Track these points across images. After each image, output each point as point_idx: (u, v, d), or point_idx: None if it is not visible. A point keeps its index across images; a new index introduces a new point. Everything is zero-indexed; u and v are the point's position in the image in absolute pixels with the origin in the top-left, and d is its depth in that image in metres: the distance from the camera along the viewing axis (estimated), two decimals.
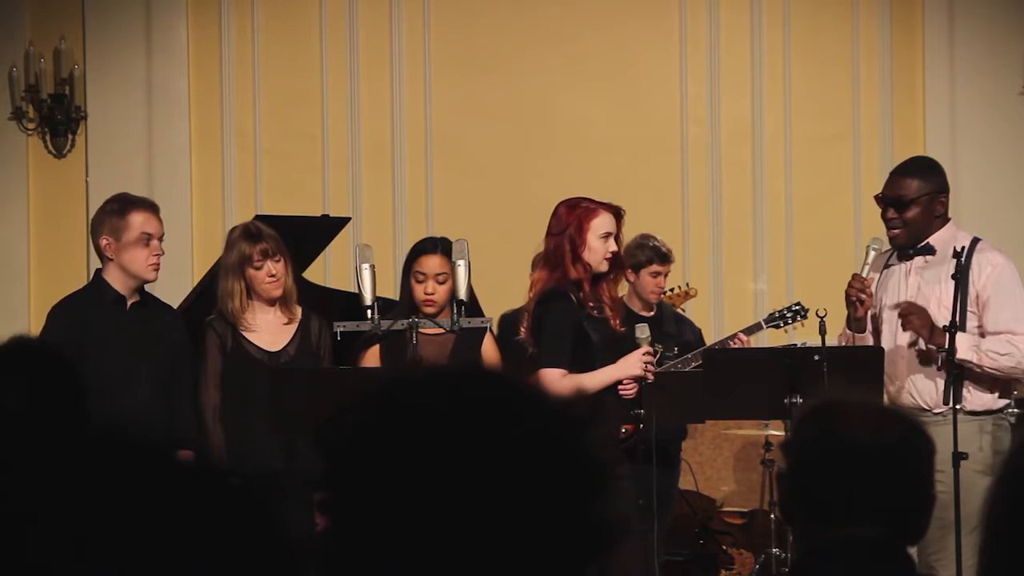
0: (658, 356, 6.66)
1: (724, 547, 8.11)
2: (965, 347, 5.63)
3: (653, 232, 7.38)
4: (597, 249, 5.85)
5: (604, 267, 5.87)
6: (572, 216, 5.89)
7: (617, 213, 5.95)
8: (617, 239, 5.92)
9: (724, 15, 9.42)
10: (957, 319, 5.60)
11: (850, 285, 5.76)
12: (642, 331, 5.84)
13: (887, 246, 5.94)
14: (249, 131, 9.55)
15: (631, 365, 5.76)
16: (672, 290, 7.84)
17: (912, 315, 5.64)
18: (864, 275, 5.76)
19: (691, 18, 9.44)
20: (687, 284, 8.07)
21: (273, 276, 5.94)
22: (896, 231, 5.82)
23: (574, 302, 5.83)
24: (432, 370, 1.60)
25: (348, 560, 1.49)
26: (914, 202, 5.78)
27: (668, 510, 7.07)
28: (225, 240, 6.12)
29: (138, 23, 9.45)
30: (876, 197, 5.89)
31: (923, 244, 5.83)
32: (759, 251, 9.40)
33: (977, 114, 9.26)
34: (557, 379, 5.71)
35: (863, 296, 5.74)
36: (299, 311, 6.06)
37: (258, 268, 5.93)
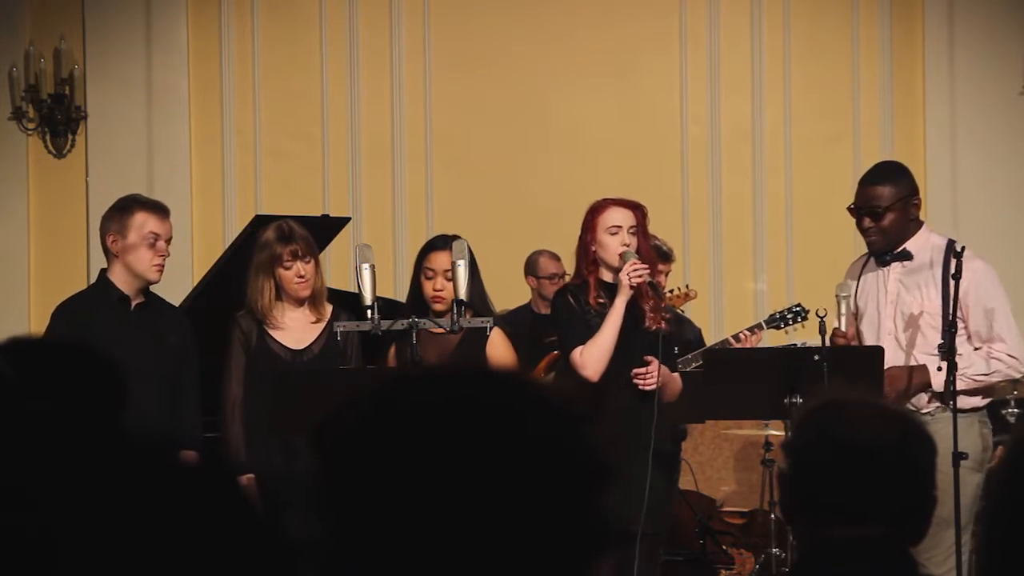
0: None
1: (724, 547, 8.11)
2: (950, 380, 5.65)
3: (654, 232, 7.37)
4: (608, 244, 5.82)
5: (619, 263, 5.80)
6: (586, 217, 5.91)
7: (635, 208, 5.89)
8: (637, 234, 5.84)
9: (724, 15, 9.43)
10: (954, 320, 5.65)
11: (833, 343, 5.79)
12: (626, 253, 5.79)
13: (848, 291, 5.93)
14: (249, 131, 9.55)
15: (622, 285, 5.73)
16: (673, 291, 7.85)
17: (889, 388, 5.64)
18: (842, 327, 5.79)
19: (691, 18, 9.44)
20: (687, 286, 8.07)
21: (302, 277, 5.95)
22: (873, 239, 5.88)
23: (577, 297, 5.85)
24: (431, 369, 1.60)
25: (347, 560, 1.48)
26: (889, 209, 5.82)
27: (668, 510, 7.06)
28: (256, 239, 6.12)
29: (138, 23, 9.45)
30: (849, 208, 5.92)
31: (901, 250, 5.88)
32: (759, 251, 9.40)
33: (977, 114, 9.26)
34: (579, 355, 5.78)
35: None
36: (328, 310, 6.07)
37: (287, 268, 5.94)
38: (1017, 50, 9.20)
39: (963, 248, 5.73)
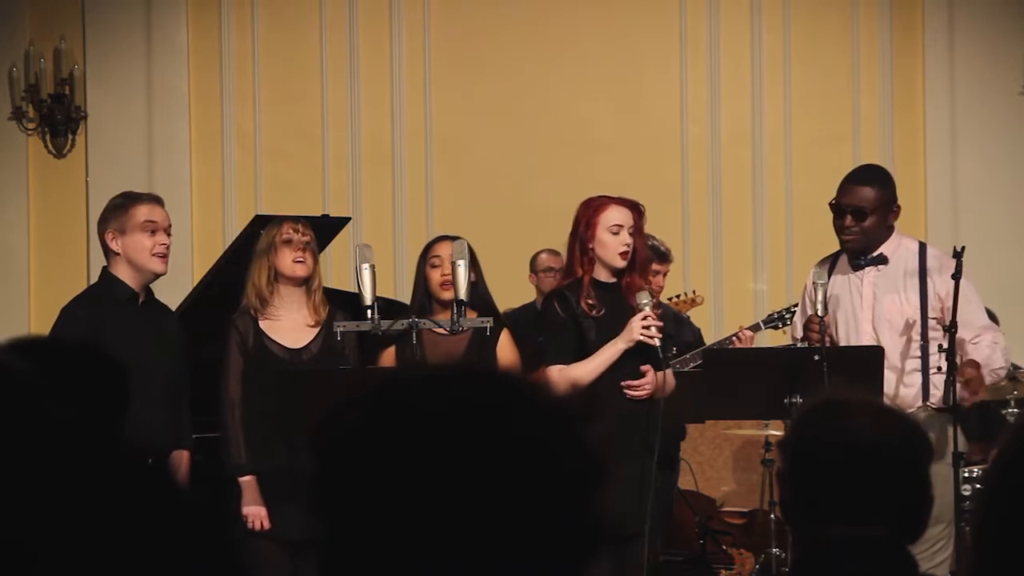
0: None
1: (724, 547, 8.11)
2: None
3: (653, 232, 7.38)
4: (608, 243, 5.72)
5: (619, 262, 5.71)
6: (583, 213, 5.81)
7: (634, 208, 5.80)
8: (636, 235, 5.76)
9: (724, 17, 9.43)
10: (954, 320, 5.69)
11: (811, 329, 5.78)
12: (643, 296, 5.68)
13: (824, 279, 5.93)
14: (249, 131, 9.55)
15: (631, 331, 5.61)
16: (678, 296, 7.88)
17: (974, 383, 5.69)
18: (820, 314, 5.79)
19: (691, 19, 9.44)
20: (694, 292, 8.08)
21: (300, 251, 5.91)
22: (852, 238, 5.90)
23: (569, 300, 5.73)
24: (428, 369, 1.60)
25: (345, 560, 1.48)
26: (873, 212, 5.86)
27: (668, 510, 7.06)
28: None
29: (138, 23, 9.45)
30: (831, 204, 5.93)
31: (876, 254, 5.91)
32: (759, 251, 9.40)
33: (977, 114, 9.26)
34: (556, 373, 5.64)
35: (823, 337, 5.79)
36: (325, 311, 6.05)
37: (287, 241, 5.91)
38: (1017, 50, 9.20)
39: (963, 248, 5.75)
